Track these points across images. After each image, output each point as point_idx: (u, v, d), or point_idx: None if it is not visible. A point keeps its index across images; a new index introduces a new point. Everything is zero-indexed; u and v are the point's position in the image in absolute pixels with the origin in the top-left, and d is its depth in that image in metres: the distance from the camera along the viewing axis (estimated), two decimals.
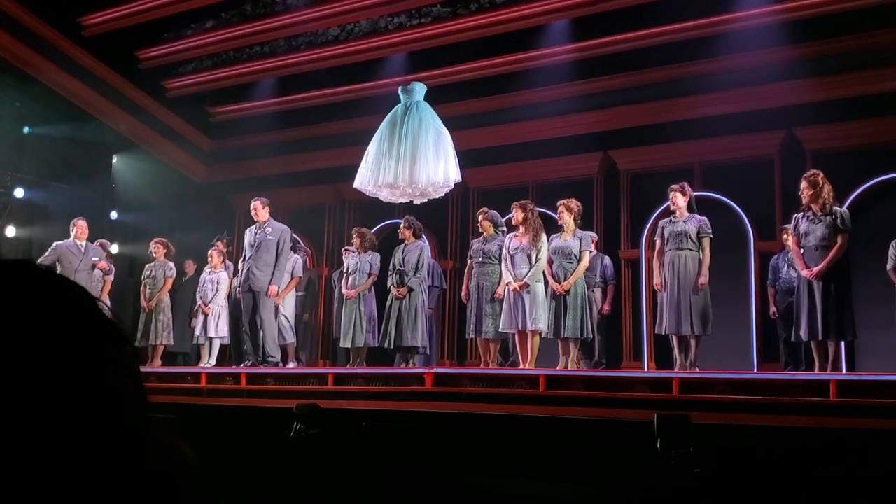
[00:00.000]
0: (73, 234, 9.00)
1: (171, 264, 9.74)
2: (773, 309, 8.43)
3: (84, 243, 9.05)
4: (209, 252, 9.76)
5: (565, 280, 7.39)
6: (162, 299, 9.56)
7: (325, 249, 11.98)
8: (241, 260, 8.67)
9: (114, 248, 10.66)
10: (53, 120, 11.11)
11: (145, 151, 12.01)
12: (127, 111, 11.55)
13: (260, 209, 8.52)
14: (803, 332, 6.63)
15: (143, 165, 12.04)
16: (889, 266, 7.55)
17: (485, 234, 8.01)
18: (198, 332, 9.60)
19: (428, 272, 8.57)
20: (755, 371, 8.15)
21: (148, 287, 9.60)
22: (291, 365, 9.02)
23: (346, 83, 11.03)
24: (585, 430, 5.41)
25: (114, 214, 12.06)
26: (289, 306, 9.32)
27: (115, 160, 12.14)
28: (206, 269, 9.82)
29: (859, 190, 8.64)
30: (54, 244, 9.00)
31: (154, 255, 9.67)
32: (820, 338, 6.53)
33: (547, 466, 5.08)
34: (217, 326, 9.48)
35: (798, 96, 8.91)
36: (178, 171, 12.56)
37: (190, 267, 10.87)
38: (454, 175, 7.73)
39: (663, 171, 9.58)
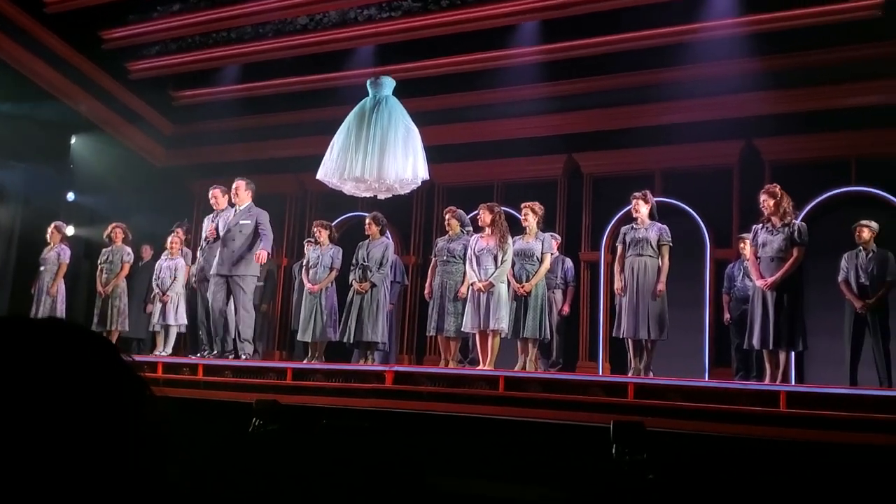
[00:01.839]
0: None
1: (129, 249, 9.61)
2: (727, 316, 8.62)
3: (228, 207, 8.27)
4: (169, 239, 9.66)
5: (527, 281, 7.48)
6: (118, 284, 9.43)
7: (284, 240, 11.90)
8: (200, 248, 8.56)
9: (70, 230, 10.48)
10: (11, 97, 10.82)
11: (105, 133, 11.79)
12: (88, 91, 11.32)
13: (220, 197, 8.42)
14: (756, 341, 6.82)
15: (103, 147, 11.82)
16: (840, 278, 7.78)
17: (451, 232, 8.04)
18: (155, 319, 9.50)
19: (390, 268, 8.59)
20: (707, 379, 8.32)
21: (104, 272, 9.47)
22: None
23: (312, 73, 10.95)
24: (543, 432, 5.49)
25: (71, 196, 11.84)
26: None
27: (73, 141, 11.89)
28: (164, 256, 9.72)
29: (815, 202, 8.85)
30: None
31: (112, 240, 9.53)
32: (771, 347, 6.72)
33: (505, 468, 5.15)
34: (176, 314, 9.40)
35: (759, 107, 9.08)
36: (138, 154, 12.36)
37: (147, 252, 10.74)
38: (422, 173, 7.75)
39: (625, 175, 9.72)
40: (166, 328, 9.49)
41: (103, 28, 10.74)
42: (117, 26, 10.71)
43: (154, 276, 9.66)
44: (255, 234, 8.02)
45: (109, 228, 9.61)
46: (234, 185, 8.23)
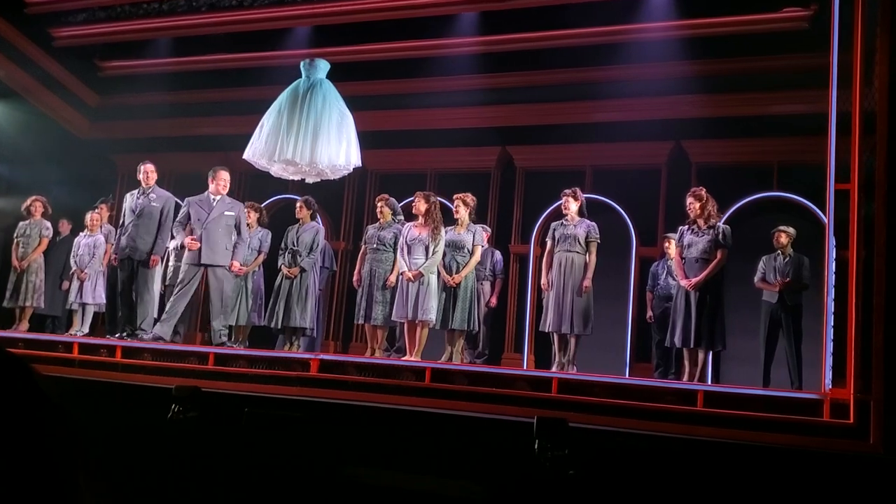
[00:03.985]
0: (211, 185, 7.90)
1: (48, 223, 9.29)
2: (649, 313, 8.81)
3: (219, 196, 7.87)
4: (89, 215, 9.33)
5: (457, 273, 7.49)
6: (35, 259, 9.12)
7: None
8: (120, 225, 8.30)
9: None
10: None
11: (25, 101, 11.29)
12: (7, 56, 10.81)
13: (151, 173, 8.18)
14: (677, 339, 7.02)
15: (22, 115, 11.29)
16: (756, 278, 8.08)
17: (382, 220, 7.99)
18: (72, 297, 9.19)
19: (320, 253, 8.50)
20: (628, 376, 8.49)
21: (21, 245, 9.13)
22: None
23: (245, 50, 10.69)
24: (468, 425, 5.53)
25: None
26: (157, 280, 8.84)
27: None
28: (83, 233, 9.39)
29: (737, 205, 9.09)
30: (186, 200, 7.98)
31: (31, 213, 9.18)
32: (692, 346, 6.93)
33: (428, 460, 5.17)
34: (94, 292, 9.11)
35: (689, 110, 9.28)
36: (61, 124, 11.89)
37: (65, 226, 10.35)
38: (355, 160, 7.68)
39: (557, 170, 9.85)
40: (83, 307, 9.19)
41: None
42: None
43: (72, 253, 9.34)
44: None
45: (29, 201, 9.26)
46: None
